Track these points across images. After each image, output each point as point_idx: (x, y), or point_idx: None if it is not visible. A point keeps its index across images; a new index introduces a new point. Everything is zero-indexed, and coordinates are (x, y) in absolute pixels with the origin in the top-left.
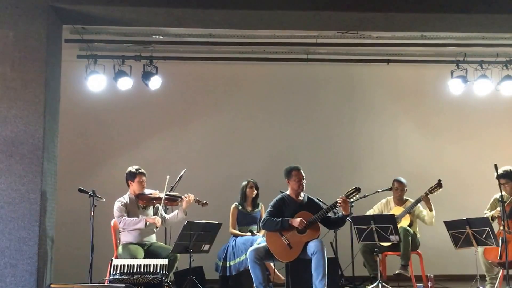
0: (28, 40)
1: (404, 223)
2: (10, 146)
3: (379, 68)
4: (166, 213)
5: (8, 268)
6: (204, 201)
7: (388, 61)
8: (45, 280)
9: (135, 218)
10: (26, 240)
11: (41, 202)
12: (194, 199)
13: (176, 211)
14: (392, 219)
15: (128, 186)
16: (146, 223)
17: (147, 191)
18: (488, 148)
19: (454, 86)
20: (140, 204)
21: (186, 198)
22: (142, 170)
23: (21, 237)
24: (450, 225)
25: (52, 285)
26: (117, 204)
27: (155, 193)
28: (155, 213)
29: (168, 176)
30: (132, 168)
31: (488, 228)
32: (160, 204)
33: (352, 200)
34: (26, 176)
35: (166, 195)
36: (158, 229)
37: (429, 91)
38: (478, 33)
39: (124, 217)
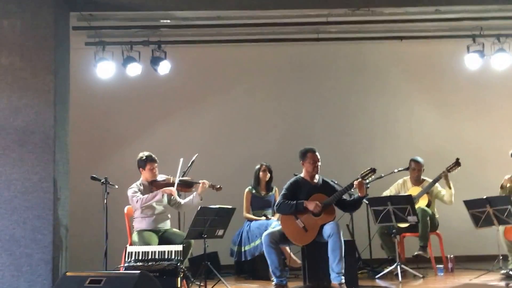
0: (36, 28)
1: (422, 203)
2: (22, 136)
3: (392, 45)
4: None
5: (24, 258)
6: (218, 186)
7: (402, 38)
8: (60, 269)
9: (150, 194)
10: (41, 229)
11: (54, 191)
12: (209, 184)
13: (191, 196)
14: (410, 200)
15: (141, 172)
16: (163, 195)
17: (160, 177)
18: (508, 124)
19: (471, 61)
20: (154, 191)
21: (201, 183)
22: (153, 157)
23: (35, 226)
24: (470, 204)
25: (68, 274)
26: (132, 190)
27: (168, 179)
28: (169, 199)
29: (181, 159)
30: (143, 155)
31: (509, 206)
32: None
33: (368, 181)
34: (38, 165)
35: (180, 181)
36: (170, 216)
37: (445, 68)
38: (495, 6)
39: (139, 196)
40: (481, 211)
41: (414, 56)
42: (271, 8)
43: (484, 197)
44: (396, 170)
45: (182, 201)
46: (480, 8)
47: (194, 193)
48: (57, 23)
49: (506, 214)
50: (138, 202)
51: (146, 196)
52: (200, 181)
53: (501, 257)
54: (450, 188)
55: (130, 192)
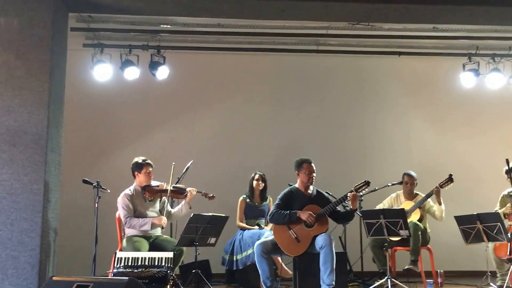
0: (33, 28)
1: (414, 217)
2: (14, 136)
3: (390, 60)
4: (172, 205)
5: (9, 260)
6: (211, 194)
7: (400, 53)
8: (47, 273)
9: (141, 220)
10: (29, 232)
11: (45, 193)
12: (197, 192)
13: (180, 205)
14: (402, 214)
15: (134, 177)
16: (152, 225)
17: (153, 183)
18: (500, 142)
19: (466, 79)
20: (146, 196)
21: (189, 191)
22: (149, 161)
23: (23, 228)
24: (461, 220)
25: (53, 278)
26: (123, 199)
27: (161, 185)
28: (162, 206)
29: (173, 163)
30: (139, 159)
31: (499, 224)
32: (167, 196)
33: (361, 194)
34: (29, 166)
35: (173, 187)
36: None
37: (441, 84)
38: (491, 26)
39: (129, 217)
40: (471, 227)
41: (411, 71)
42: (272, 18)
43: (475, 213)
44: (389, 184)
45: (172, 210)
46: (476, 27)
47: (183, 201)
48: (55, 23)
49: (495, 231)
50: (127, 223)
51: (136, 221)
52: (188, 189)
53: (489, 273)
54: (440, 204)
55: (122, 203)
